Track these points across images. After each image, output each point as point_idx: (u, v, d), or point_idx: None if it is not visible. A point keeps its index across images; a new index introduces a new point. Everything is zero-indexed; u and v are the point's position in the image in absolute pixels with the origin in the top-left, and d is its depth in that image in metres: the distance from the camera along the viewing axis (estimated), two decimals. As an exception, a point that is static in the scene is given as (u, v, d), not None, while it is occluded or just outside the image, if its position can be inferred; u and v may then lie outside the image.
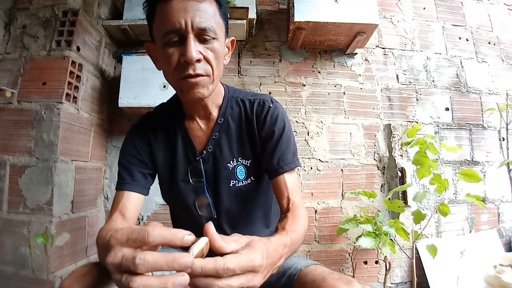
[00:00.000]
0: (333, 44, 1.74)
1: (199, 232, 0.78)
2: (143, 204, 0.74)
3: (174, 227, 0.89)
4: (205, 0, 0.60)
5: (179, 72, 0.61)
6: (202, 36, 0.60)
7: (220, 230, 0.77)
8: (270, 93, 1.71)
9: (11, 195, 1.22)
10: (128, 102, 1.45)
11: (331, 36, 1.64)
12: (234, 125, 0.75)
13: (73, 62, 1.33)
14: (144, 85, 1.45)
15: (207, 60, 0.61)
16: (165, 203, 1.57)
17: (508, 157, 1.78)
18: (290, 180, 0.70)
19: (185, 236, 0.37)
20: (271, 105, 0.74)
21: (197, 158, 0.74)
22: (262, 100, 0.75)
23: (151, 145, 0.75)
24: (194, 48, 0.58)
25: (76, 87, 1.36)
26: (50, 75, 1.29)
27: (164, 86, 1.45)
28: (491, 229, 1.71)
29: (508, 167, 1.74)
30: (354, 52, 1.78)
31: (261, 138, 0.73)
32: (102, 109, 1.59)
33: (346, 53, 1.77)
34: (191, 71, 0.59)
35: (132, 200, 0.70)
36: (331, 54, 1.79)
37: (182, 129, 0.75)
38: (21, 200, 1.21)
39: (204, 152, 0.74)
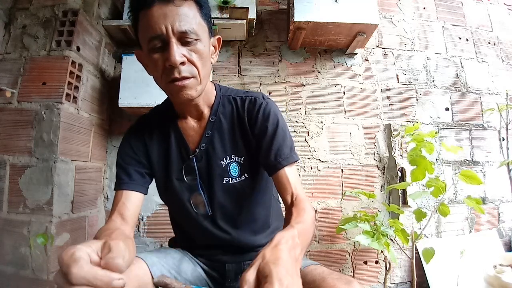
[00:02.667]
0: (333, 44, 1.74)
1: (197, 230, 0.77)
2: (142, 203, 0.74)
3: (173, 226, 0.89)
4: (183, 4, 0.61)
5: (166, 76, 0.62)
6: (184, 39, 0.61)
7: (216, 225, 0.77)
8: (270, 93, 1.71)
9: (11, 195, 1.22)
10: (128, 102, 1.45)
11: (331, 36, 1.64)
12: (226, 123, 0.75)
13: (73, 62, 1.33)
14: (144, 85, 1.45)
15: (191, 62, 0.63)
16: (163, 203, 1.58)
17: (508, 157, 1.77)
18: (291, 174, 0.70)
19: (114, 280, 0.37)
20: (262, 102, 0.75)
21: (190, 156, 0.75)
22: (253, 97, 0.76)
23: (146, 146, 0.77)
24: (177, 52, 0.60)
25: (76, 87, 1.36)
26: (50, 75, 1.29)
27: (164, 86, 1.45)
28: (491, 229, 1.71)
29: (508, 167, 1.74)
30: (354, 52, 1.78)
31: (254, 135, 0.74)
32: (102, 109, 1.59)
33: (346, 53, 1.77)
34: (176, 74, 0.61)
35: (131, 199, 0.70)
36: (331, 54, 1.79)
37: (175, 128, 0.76)
38: (21, 200, 1.21)
39: (197, 150, 0.75)
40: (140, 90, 1.45)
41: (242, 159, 0.75)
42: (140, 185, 0.73)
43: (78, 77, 1.37)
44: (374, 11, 1.55)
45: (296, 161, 0.72)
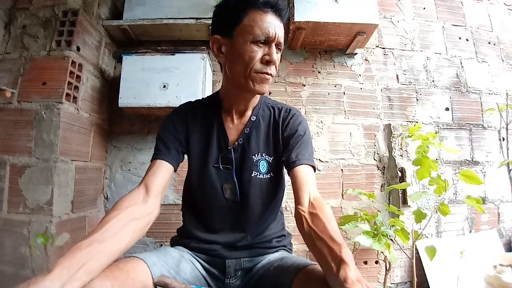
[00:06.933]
0: (333, 44, 1.74)
1: (219, 211, 0.82)
2: (171, 177, 0.82)
3: (186, 214, 0.90)
4: (282, 24, 0.77)
5: (259, 67, 0.74)
6: (277, 46, 0.76)
7: (243, 212, 0.83)
8: (270, 93, 1.71)
9: (11, 195, 1.22)
10: (128, 102, 1.45)
11: (331, 36, 1.64)
12: (263, 125, 0.86)
13: (73, 62, 1.33)
14: (144, 85, 1.45)
15: (275, 66, 0.77)
16: (163, 203, 1.57)
17: (508, 157, 1.78)
18: (309, 174, 0.76)
19: None
20: (296, 113, 0.88)
21: (228, 147, 0.83)
22: (289, 108, 0.89)
23: (188, 128, 0.85)
24: (276, 54, 0.75)
25: (76, 87, 1.36)
26: (50, 75, 1.29)
27: (164, 86, 1.45)
28: (491, 229, 1.71)
29: (508, 167, 1.74)
30: (354, 52, 1.78)
31: (283, 137, 0.84)
32: (102, 109, 1.59)
33: (346, 53, 1.77)
34: (269, 70, 0.75)
35: (163, 169, 0.77)
36: (331, 54, 1.79)
37: (218, 120, 0.86)
38: (21, 200, 1.21)
39: (235, 143, 0.84)
40: (140, 90, 1.45)
41: (271, 159, 0.84)
42: (174, 159, 0.80)
43: (78, 77, 1.37)
44: (374, 11, 1.55)
45: (314, 167, 0.79)
